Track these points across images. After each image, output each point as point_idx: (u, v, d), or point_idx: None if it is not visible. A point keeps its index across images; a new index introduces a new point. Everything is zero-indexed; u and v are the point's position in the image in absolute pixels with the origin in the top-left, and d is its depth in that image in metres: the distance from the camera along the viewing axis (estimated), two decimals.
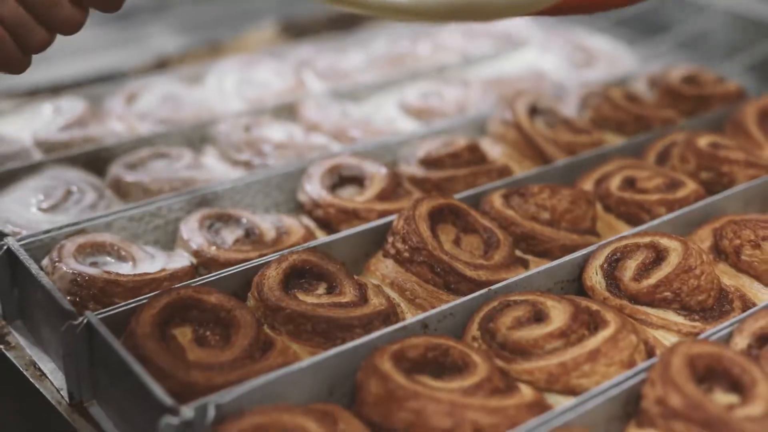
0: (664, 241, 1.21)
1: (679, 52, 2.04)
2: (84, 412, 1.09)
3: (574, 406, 0.97)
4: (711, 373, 1.00)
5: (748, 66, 1.91)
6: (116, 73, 1.92)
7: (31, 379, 1.14)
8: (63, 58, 1.97)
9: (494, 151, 1.55)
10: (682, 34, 2.10)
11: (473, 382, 1.00)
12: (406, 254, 1.21)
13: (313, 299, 1.14)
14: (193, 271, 1.24)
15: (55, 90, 1.70)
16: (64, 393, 1.11)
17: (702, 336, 1.08)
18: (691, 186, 1.40)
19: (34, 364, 1.17)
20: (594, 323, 1.10)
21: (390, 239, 1.25)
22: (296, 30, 2.23)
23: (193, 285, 1.13)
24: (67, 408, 1.10)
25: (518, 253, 1.29)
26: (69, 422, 1.08)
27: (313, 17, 2.28)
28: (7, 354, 1.19)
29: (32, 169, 1.42)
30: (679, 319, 1.15)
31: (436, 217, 1.26)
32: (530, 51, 2.00)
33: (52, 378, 1.14)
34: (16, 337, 1.21)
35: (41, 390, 1.13)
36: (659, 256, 1.19)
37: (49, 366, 1.16)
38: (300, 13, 2.34)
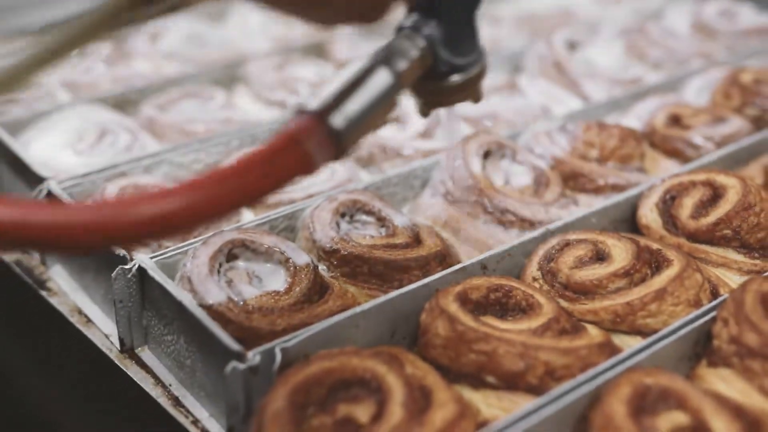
0: (721, 179, 1.18)
1: None
2: (136, 358, 1.06)
3: (645, 347, 0.94)
4: None
5: None
6: None
7: (78, 326, 1.11)
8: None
9: (532, 89, 1.52)
10: None
11: (541, 322, 0.98)
12: (458, 194, 1.18)
13: (366, 241, 1.11)
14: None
15: None
16: (114, 339, 1.08)
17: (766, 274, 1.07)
18: (737, 122, 1.37)
19: (79, 310, 1.14)
20: (656, 262, 1.08)
21: (439, 178, 1.21)
22: None
23: (244, 227, 1.10)
24: (118, 355, 1.07)
25: (567, 191, 1.26)
26: (121, 369, 1.05)
27: None
28: (50, 300, 1.15)
29: (61, 111, 1.37)
30: (739, 257, 1.12)
31: (484, 155, 1.23)
32: None
33: (100, 324, 1.11)
34: (57, 283, 1.18)
35: (90, 337, 1.10)
36: (716, 193, 1.16)
37: (94, 311, 1.13)
38: None
